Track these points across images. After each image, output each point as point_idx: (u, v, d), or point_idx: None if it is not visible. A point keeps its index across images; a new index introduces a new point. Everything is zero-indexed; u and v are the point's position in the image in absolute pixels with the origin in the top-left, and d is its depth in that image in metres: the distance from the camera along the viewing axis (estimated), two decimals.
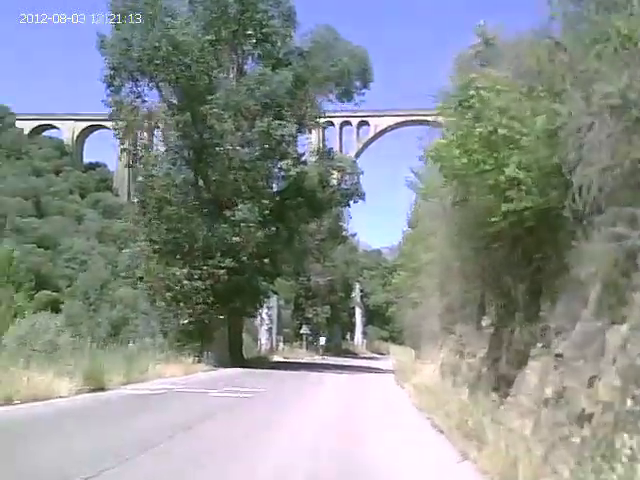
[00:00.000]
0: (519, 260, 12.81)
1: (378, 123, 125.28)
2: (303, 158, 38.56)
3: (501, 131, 10.68)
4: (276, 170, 37.04)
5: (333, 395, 20.75)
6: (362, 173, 38.82)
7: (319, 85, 35.23)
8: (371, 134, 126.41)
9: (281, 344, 52.38)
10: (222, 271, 31.47)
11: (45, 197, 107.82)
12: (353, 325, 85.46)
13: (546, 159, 10.18)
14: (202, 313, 32.06)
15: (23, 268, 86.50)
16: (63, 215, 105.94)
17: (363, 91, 36.54)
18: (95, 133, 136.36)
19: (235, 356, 35.45)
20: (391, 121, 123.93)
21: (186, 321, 32.08)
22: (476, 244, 15.22)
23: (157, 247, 32.51)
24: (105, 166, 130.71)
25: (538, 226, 11.19)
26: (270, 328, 49.19)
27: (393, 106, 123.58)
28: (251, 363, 37.69)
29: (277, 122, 31.15)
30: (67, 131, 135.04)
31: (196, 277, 31.86)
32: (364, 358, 67.56)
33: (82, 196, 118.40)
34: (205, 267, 31.81)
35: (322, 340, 66.90)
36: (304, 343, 59.96)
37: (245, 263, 32.89)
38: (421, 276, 27.77)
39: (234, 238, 31.32)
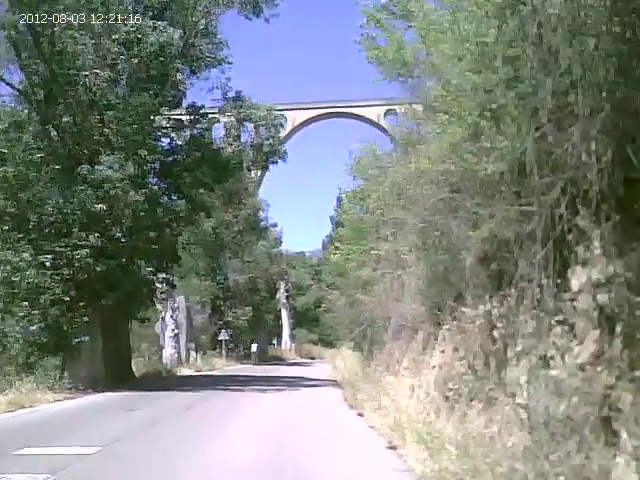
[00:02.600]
0: None
1: (296, 116, 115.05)
2: (203, 108, 27.99)
3: None
4: (164, 122, 26.56)
5: (245, 455, 10.04)
6: (282, 126, 28.34)
7: None
8: (289, 128, 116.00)
9: (193, 353, 41.40)
10: (84, 252, 20.81)
11: None
12: (280, 328, 74.72)
13: None
14: (59, 316, 21.34)
15: None
16: None
17: (276, 2, 25.97)
18: None
19: (118, 373, 24.77)
20: (310, 114, 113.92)
21: (34, 327, 21.22)
22: None
23: None
24: None
25: None
26: (177, 334, 38.33)
27: (312, 98, 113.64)
28: (145, 381, 27.04)
29: (151, 23, 20.45)
30: None
31: (47, 264, 21.17)
32: (295, 364, 57.04)
33: None
34: (59, 249, 21.15)
35: (254, 347, 57.01)
36: (223, 351, 49.13)
37: (120, 243, 22.30)
38: (379, 239, 17.79)
39: (97, 205, 20.65)
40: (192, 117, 27.30)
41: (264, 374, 35.31)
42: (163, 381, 28.24)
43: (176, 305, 38.55)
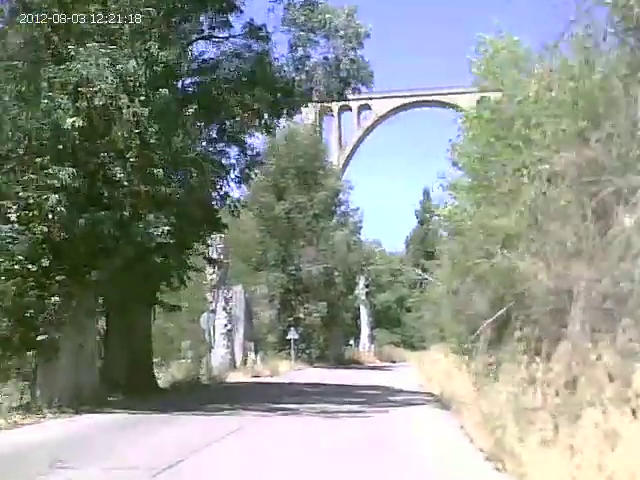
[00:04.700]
0: None
1: (381, 106, 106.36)
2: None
3: None
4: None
5: None
6: (368, 37, 19.77)
7: None
8: (373, 118, 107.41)
9: (252, 354, 33.27)
10: (54, 196, 12.99)
11: None
12: (357, 328, 65.99)
13: None
14: (20, 294, 13.66)
15: None
16: None
17: None
18: None
19: (130, 382, 17.16)
20: (396, 103, 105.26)
21: None
22: None
23: None
24: None
25: None
26: (230, 331, 30.21)
27: (398, 87, 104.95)
28: (172, 394, 19.40)
29: None
30: None
31: (11, 217, 13.52)
32: (374, 369, 48.84)
33: None
34: (24, 193, 13.45)
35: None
36: (292, 352, 40.98)
37: (121, 187, 14.42)
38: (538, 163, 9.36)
39: (68, 120, 12.76)
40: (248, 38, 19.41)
41: (338, 382, 27.16)
42: (199, 393, 20.37)
43: (230, 295, 30.55)
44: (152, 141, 14.01)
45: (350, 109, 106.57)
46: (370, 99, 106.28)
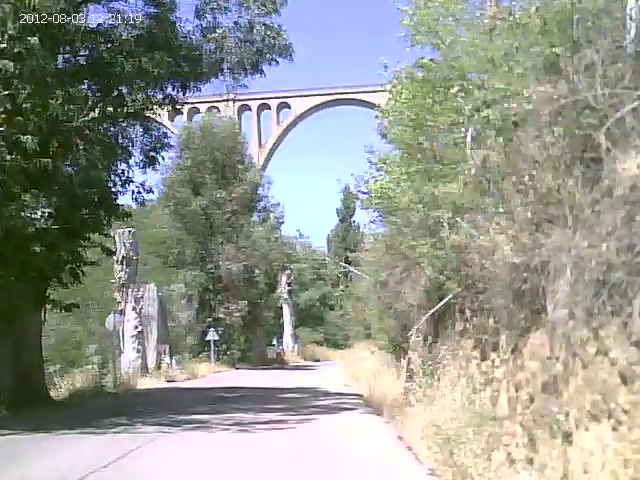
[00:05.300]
0: None
1: (300, 104, 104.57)
2: None
3: None
4: None
5: None
6: (286, 2, 17.40)
7: None
8: (292, 117, 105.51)
9: (167, 358, 30.42)
10: None
11: None
12: (280, 327, 63.68)
13: None
14: None
15: None
16: None
17: None
18: None
19: (12, 395, 14.51)
20: (315, 101, 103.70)
21: None
22: None
23: None
24: None
25: None
26: (141, 332, 27.38)
27: (317, 85, 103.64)
28: (68, 404, 16.83)
29: None
30: None
31: None
32: (298, 368, 46.85)
33: None
34: None
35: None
36: (212, 354, 38.40)
37: None
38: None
39: None
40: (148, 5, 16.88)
41: (259, 384, 24.93)
42: (101, 403, 17.79)
43: (141, 294, 27.72)
44: (25, 105, 11.43)
45: (269, 108, 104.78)
46: (289, 97, 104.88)
